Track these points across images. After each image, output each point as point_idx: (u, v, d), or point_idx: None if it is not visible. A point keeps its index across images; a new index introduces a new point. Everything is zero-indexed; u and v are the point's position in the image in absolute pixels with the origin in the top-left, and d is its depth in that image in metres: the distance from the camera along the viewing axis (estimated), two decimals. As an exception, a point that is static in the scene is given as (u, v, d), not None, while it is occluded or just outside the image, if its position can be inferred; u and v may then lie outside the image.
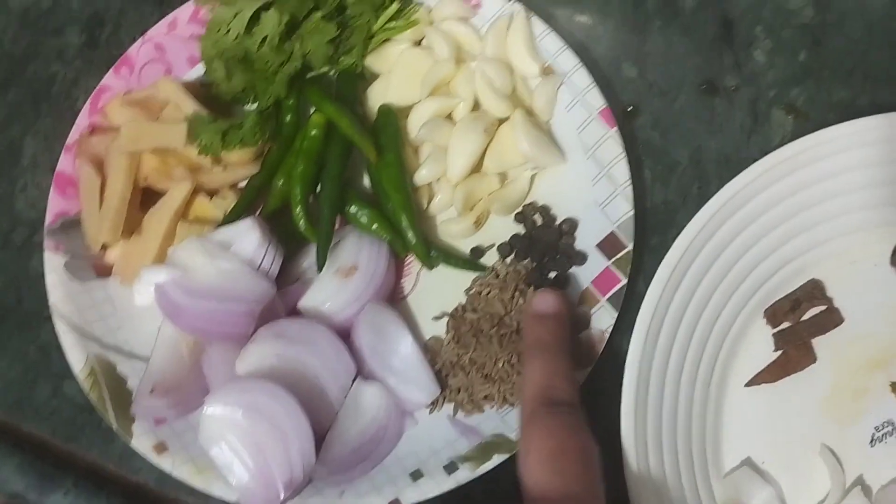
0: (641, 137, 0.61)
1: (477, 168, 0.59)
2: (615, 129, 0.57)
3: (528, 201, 0.59)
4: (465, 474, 0.51)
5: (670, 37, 0.63)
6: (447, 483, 0.51)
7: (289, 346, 0.53)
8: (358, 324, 0.55)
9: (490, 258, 0.58)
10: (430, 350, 0.56)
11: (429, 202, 0.59)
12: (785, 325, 0.55)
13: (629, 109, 0.62)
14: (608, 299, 0.54)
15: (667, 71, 0.62)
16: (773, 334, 0.55)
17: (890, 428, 0.53)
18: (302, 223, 0.57)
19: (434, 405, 0.55)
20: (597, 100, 0.58)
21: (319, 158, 0.58)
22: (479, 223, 0.59)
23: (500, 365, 0.53)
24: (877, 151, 0.55)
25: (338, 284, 0.56)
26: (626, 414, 0.50)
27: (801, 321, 0.55)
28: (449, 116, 0.60)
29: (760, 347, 0.55)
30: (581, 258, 0.57)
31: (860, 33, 0.61)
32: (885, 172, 0.55)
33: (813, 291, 0.56)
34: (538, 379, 0.48)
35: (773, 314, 0.55)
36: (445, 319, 0.57)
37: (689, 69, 0.62)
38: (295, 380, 0.52)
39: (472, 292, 0.57)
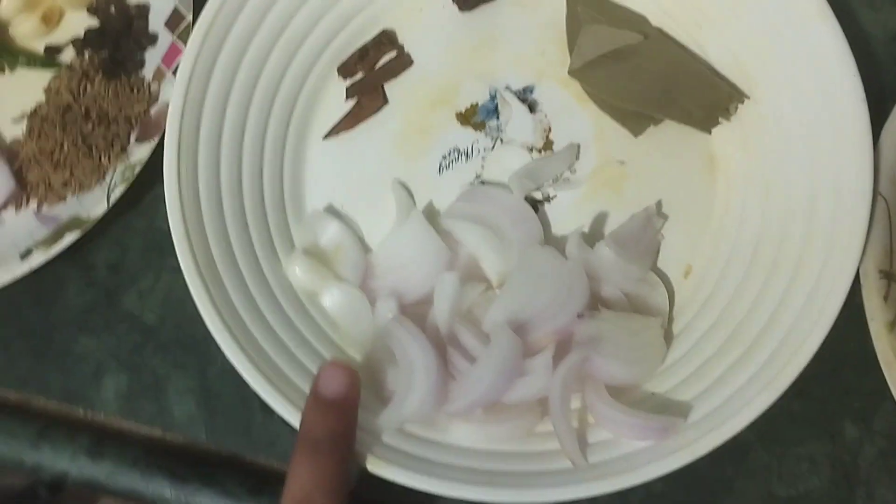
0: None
1: (39, -35, 0.58)
2: None
3: (101, -7, 0.59)
4: (38, 258, 0.52)
5: None
6: (21, 268, 0.52)
7: None
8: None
9: (69, 58, 0.58)
10: (10, 152, 0.56)
11: (-6, 7, 0.58)
12: (359, 76, 0.57)
13: None
14: (173, 71, 0.55)
15: None
16: (346, 87, 0.57)
17: (455, 154, 0.55)
18: None
19: (17, 205, 0.55)
20: None
21: None
22: (49, 21, 0.58)
23: (66, 149, 0.54)
24: None
25: None
26: (170, 185, 0.50)
27: (375, 70, 0.57)
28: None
29: (337, 102, 0.56)
30: (152, 39, 0.57)
31: None
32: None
33: (381, 39, 0.57)
34: (297, 487, 0.41)
35: (345, 67, 0.57)
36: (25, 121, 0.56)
37: None
38: None
39: (46, 88, 0.56)
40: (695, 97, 0.52)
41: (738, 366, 0.48)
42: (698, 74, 0.53)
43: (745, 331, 0.49)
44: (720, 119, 0.52)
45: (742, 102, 0.52)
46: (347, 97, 0.56)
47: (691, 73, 0.53)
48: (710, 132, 0.52)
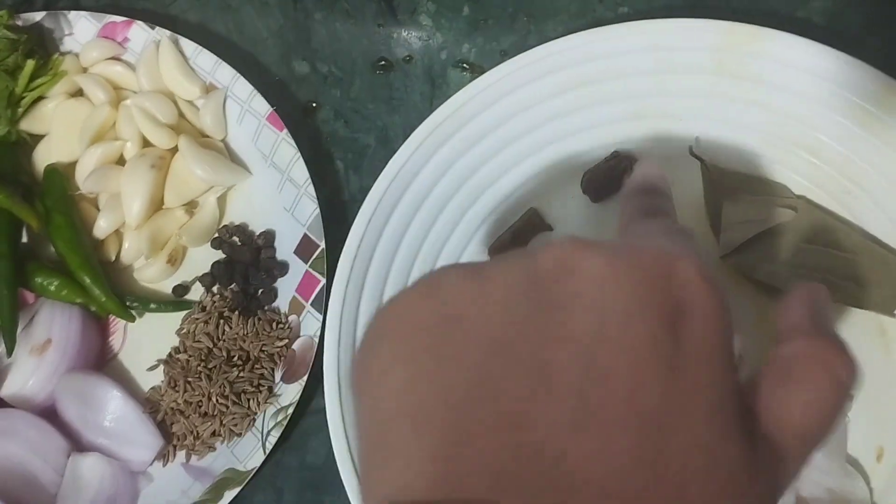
0: (326, 131, 0.60)
1: (160, 205, 0.57)
2: (284, 131, 0.56)
3: (222, 224, 0.57)
4: (199, 521, 0.49)
5: (334, 24, 0.62)
6: (182, 535, 0.49)
7: (-13, 443, 0.50)
8: (59, 398, 0.52)
9: (197, 293, 0.57)
10: (150, 402, 0.54)
11: (119, 252, 0.57)
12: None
13: (312, 106, 0.61)
14: (311, 303, 0.53)
15: (338, 59, 0.61)
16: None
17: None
18: (-23, 311, 0.53)
19: (165, 458, 0.53)
20: (262, 106, 0.57)
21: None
22: (173, 261, 0.56)
23: (214, 400, 0.52)
24: (557, 79, 0.54)
25: (34, 363, 0.53)
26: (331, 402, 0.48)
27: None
28: (122, 161, 0.58)
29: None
30: (283, 268, 0.55)
31: (515, -25, 0.61)
32: (571, 99, 0.55)
33: (532, 219, 0.55)
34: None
35: (498, 249, 0.54)
36: (162, 367, 0.55)
37: (359, 52, 0.61)
38: (3, 477, 0.50)
39: (182, 332, 0.55)
40: (866, 275, 0.50)
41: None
42: (865, 249, 0.50)
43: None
44: None
45: (914, 274, 0.50)
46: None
47: (856, 248, 0.50)
48: (893, 314, 0.49)
